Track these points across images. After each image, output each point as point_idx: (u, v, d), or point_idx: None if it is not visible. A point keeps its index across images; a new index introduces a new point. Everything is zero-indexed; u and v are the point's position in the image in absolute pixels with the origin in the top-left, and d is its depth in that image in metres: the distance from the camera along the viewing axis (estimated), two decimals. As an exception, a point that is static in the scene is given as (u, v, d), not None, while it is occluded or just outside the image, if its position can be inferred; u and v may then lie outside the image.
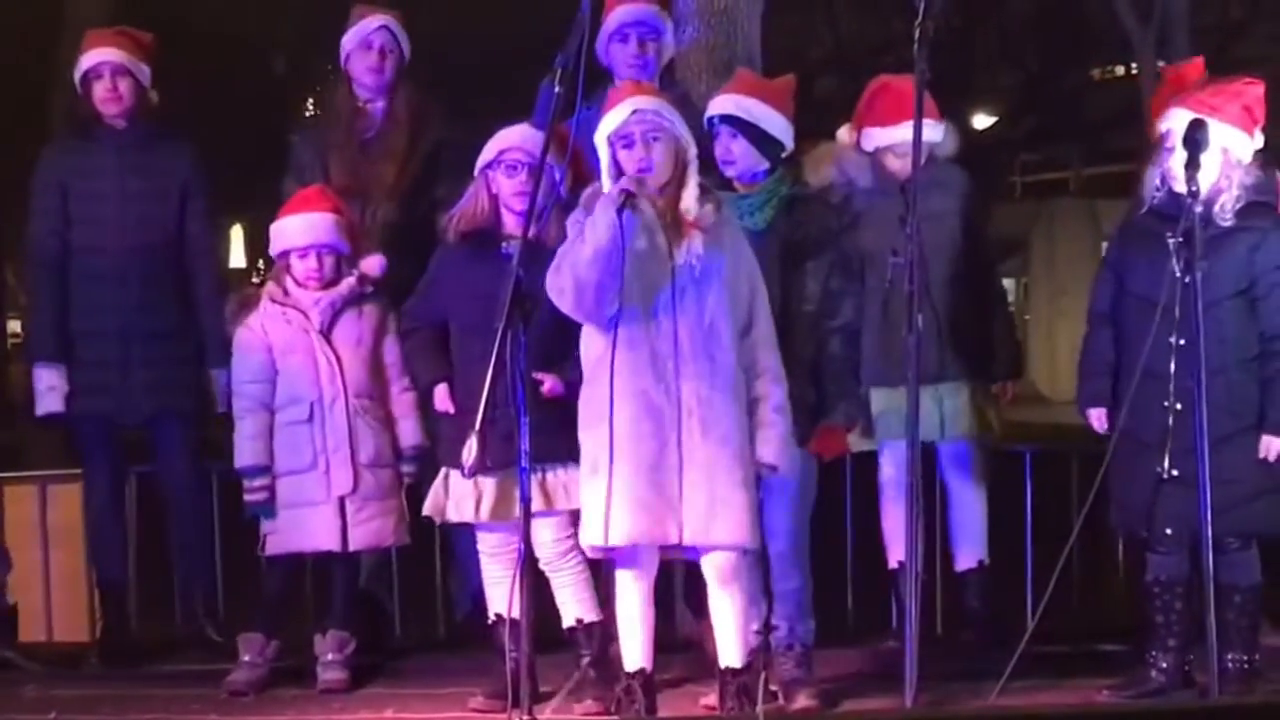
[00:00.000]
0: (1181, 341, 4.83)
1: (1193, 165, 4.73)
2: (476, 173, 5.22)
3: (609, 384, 4.67)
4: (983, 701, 5.00)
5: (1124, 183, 6.07)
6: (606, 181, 4.78)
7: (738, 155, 5.09)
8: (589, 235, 4.66)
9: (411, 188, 5.91)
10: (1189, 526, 4.92)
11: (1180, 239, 4.86)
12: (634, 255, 4.65)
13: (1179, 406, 4.93)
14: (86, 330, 5.83)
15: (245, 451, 5.51)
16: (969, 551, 5.97)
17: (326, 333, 5.49)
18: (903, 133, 5.51)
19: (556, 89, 4.45)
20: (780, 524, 5.10)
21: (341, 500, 5.44)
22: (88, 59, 5.89)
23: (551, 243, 4.91)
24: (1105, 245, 6.06)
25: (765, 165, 5.10)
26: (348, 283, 5.52)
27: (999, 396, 5.93)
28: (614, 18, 5.71)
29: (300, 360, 5.48)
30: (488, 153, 5.21)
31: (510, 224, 5.11)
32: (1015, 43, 19.02)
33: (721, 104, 5.12)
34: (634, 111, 4.76)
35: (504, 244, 5.12)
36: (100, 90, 5.87)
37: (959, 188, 5.85)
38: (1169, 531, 5.03)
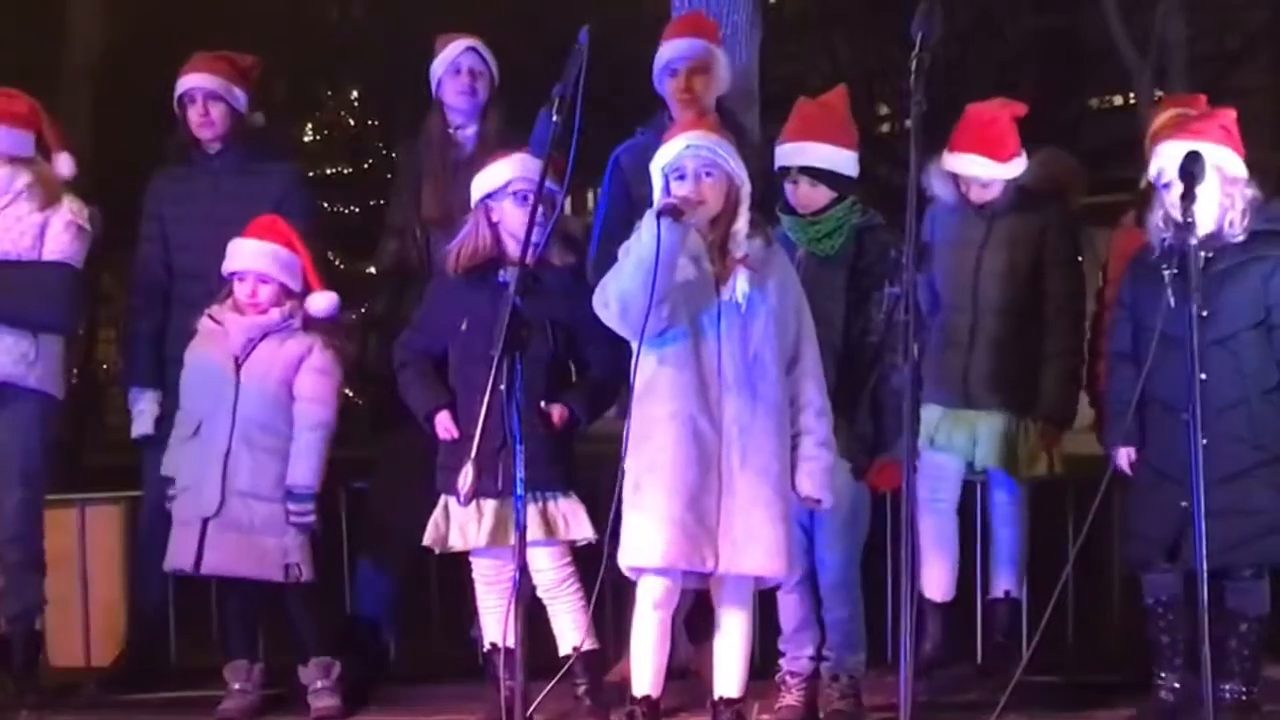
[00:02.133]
0: (1203, 376, 4.74)
1: (1188, 197, 4.72)
2: (475, 203, 5.23)
3: (656, 406, 4.70)
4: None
5: (1122, 212, 6.06)
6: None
7: (819, 200, 5.15)
8: (633, 247, 4.70)
9: None
10: (1214, 561, 4.83)
11: (1175, 271, 4.87)
12: (682, 282, 4.69)
13: (1204, 440, 4.84)
14: (179, 355, 5.76)
15: (166, 461, 5.58)
16: (995, 581, 5.99)
17: (241, 359, 5.47)
18: (979, 164, 5.69)
19: (555, 118, 4.46)
20: (831, 555, 5.16)
21: (204, 522, 5.41)
22: (181, 84, 5.91)
23: (550, 269, 4.93)
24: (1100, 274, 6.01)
25: (834, 195, 5.16)
26: (274, 313, 5.49)
27: (1044, 438, 5.84)
28: (665, 51, 5.72)
29: (204, 381, 5.50)
30: (491, 183, 5.23)
31: (513, 252, 5.11)
32: (1012, 72, 19.05)
33: (798, 154, 5.15)
34: (688, 146, 4.79)
35: (501, 272, 5.13)
36: (193, 115, 5.89)
37: (1034, 220, 5.82)
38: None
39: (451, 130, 5.99)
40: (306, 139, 23.08)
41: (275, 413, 5.46)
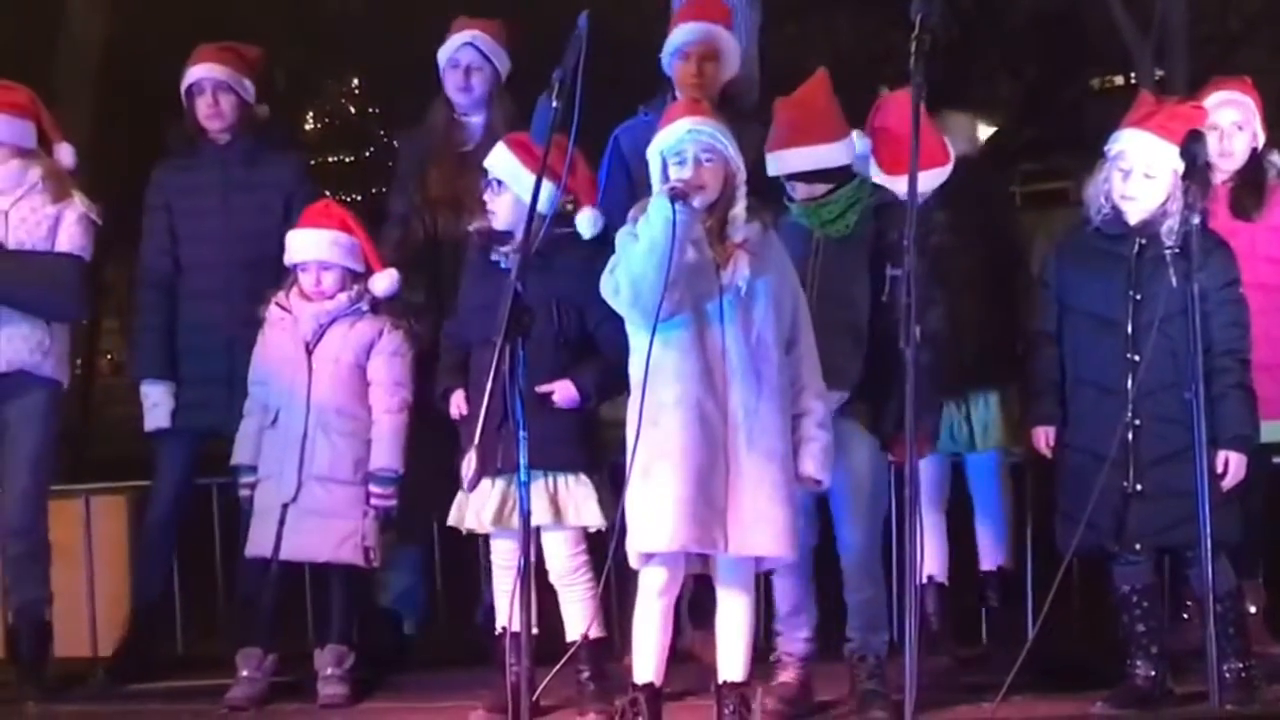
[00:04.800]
0: (1136, 358, 4.90)
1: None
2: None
3: (662, 391, 4.70)
4: (982, 714, 5.01)
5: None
6: (656, 191, 4.80)
7: (817, 193, 5.17)
8: (642, 231, 4.69)
9: None
10: (1158, 540, 5.01)
11: (1178, 250, 4.94)
12: (686, 266, 4.68)
13: (1138, 422, 4.98)
14: (191, 346, 5.87)
15: (237, 450, 5.61)
16: (989, 555, 6.03)
17: (312, 345, 5.51)
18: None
19: (554, 104, 4.46)
20: (854, 535, 5.18)
21: (284, 508, 5.44)
22: (190, 75, 5.92)
23: (560, 249, 5.01)
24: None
25: (830, 186, 5.17)
26: (341, 298, 5.55)
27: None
28: (677, 35, 5.74)
29: (279, 369, 5.54)
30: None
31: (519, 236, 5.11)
32: (1014, 53, 19.03)
33: (783, 163, 5.15)
34: (689, 130, 4.79)
35: (496, 254, 5.15)
36: (202, 106, 5.90)
37: (977, 192, 5.83)
38: (1138, 546, 5.06)
39: (457, 117, 6.01)
40: (308, 127, 23.05)
41: (349, 397, 5.51)
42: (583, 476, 5.14)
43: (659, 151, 4.83)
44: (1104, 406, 5.05)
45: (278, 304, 5.60)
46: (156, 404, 5.92)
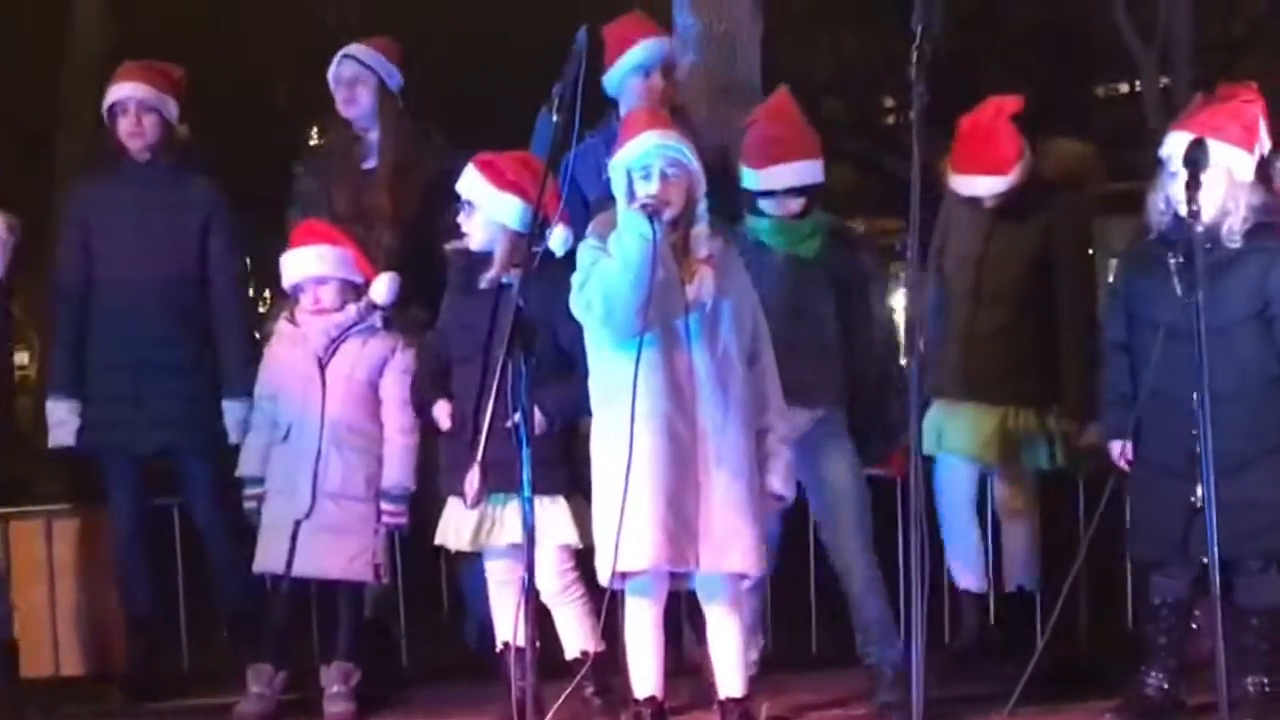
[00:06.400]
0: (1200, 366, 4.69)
1: (1193, 185, 4.68)
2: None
3: (631, 407, 4.65)
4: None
5: (1129, 200, 6.03)
6: (622, 207, 4.78)
7: (795, 209, 5.21)
8: (616, 249, 4.66)
9: (409, 214, 5.90)
10: (1221, 552, 4.77)
11: (1181, 260, 4.85)
12: (655, 282, 4.65)
13: (1196, 432, 4.77)
14: (102, 363, 5.83)
15: (245, 462, 5.60)
16: (1010, 577, 6.01)
17: (325, 360, 5.50)
18: (982, 184, 5.73)
19: (554, 118, 4.45)
20: (856, 557, 5.21)
21: (297, 524, 5.43)
22: (113, 93, 5.88)
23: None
24: (1113, 262, 5.95)
25: (805, 201, 5.23)
26: (350, 310, 5.54)
27: (1069, 433, 5.80)
28: (636, 54, 5.69)
29: (291, 384, 5.53)
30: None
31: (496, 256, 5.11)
32: (1018, 61, 19.03)
33: (774, 179, 5.19)
34: (656, 145, 4.77)
35: (481, 276, 5.12)
36: (125, 125, 5.86)
37: (1042, 212, 5.82)
38: (1204, 560, 4.76)
39: (356, 134, 6.04)
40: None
41: (362, 413, 5.50)
42: (559, 498, 5.07)
43: (624, 166, 4.79)
44: (1170, 417, 4.91)
45: (286, 319, 5.59)
46: (62, 421, 5.84)
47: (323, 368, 5.51)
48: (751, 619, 5.16)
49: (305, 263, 5.56)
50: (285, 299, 5.69)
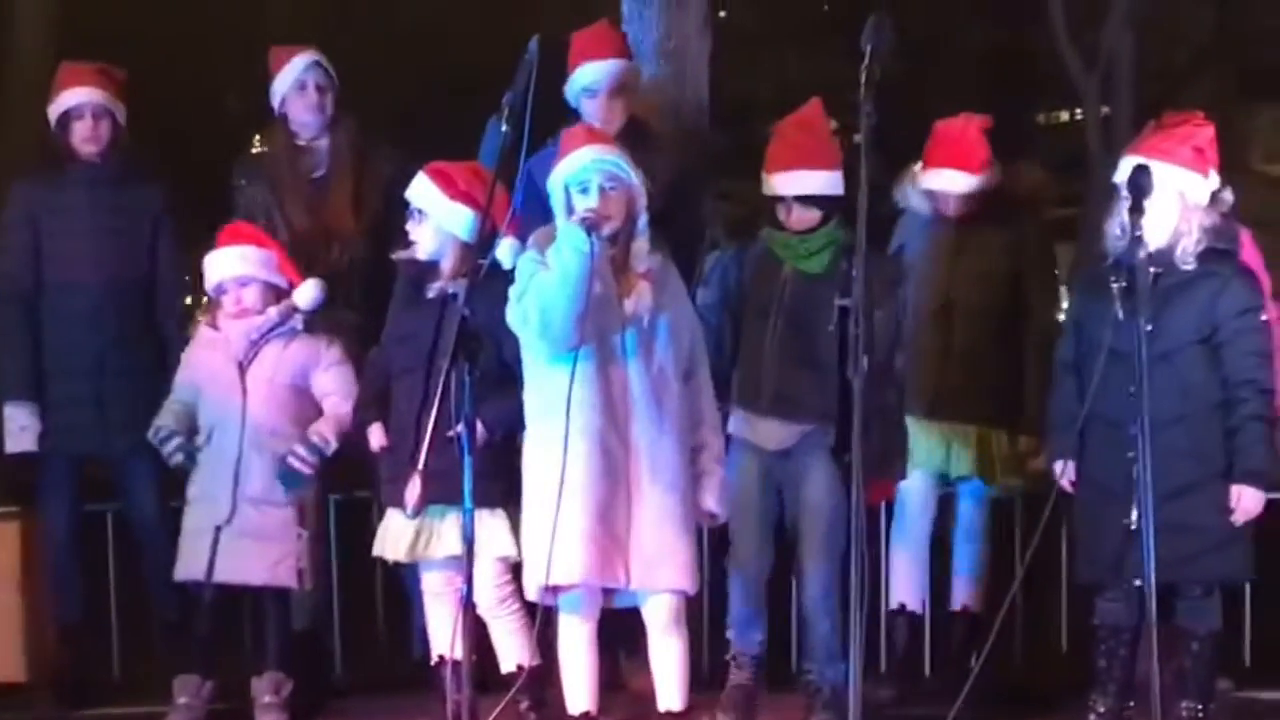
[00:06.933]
0: (1132, 390, 4.73)
1: (1137, 210, 4.71)
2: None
3: (564, 421, 4.63)
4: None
5: (1069, 226, 6.09)
6: (561, 221, 4.77)
7: (810, 221, 5.21)
8: (554, 262, 4.65)
9: (375, 223, 5.84)
10: (1157, 575, 4.79)
11: (1124, 284, 4.84)
12: (591, 297, 4.64)
13: (1132, 455, 4.80)
14: (58, 368, 5.76)
15: (160, 418, 5.44)
16: (955, 595, 6.00)
17: (246, 364, 5.45)
18: (952, 178, 5.75)
19: (504, 127, 4.43)
20: (817, 570, 5.20)
21: (217, 530, 5.37)
22: (70, 97, 5.82)
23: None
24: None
25: (821, 214, 5.22)
26: (270, 313, 5.48)
27: (1026, 452, 5.82)
28: (585, 74, 5.67)
29: (210, 388, 5.47)
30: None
31: (445, 267, 5.08)
32: (963, 88, 19.17)
33: (792, 184, 5.20)
34: (593, 160, 4.76)
35: (429, 285, 5.09)
36: (82, 130, 5.81)
37: (1008, 230, 5.84)
38: (1137, 583, 4.80)
39: (302, 144, 5.96)
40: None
41: (284, 418, 5.44)
42: (498, 510, 5.03)
43: (562, 181, 4.79)
44: (1112, 440, 4.92)
45: (206, 323, 5.54)
46: (24, 427, 5.79)
47: (243, 372, 5.45)
48: (754, 607, 5.26)
49: (229, 263, 5.50)
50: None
